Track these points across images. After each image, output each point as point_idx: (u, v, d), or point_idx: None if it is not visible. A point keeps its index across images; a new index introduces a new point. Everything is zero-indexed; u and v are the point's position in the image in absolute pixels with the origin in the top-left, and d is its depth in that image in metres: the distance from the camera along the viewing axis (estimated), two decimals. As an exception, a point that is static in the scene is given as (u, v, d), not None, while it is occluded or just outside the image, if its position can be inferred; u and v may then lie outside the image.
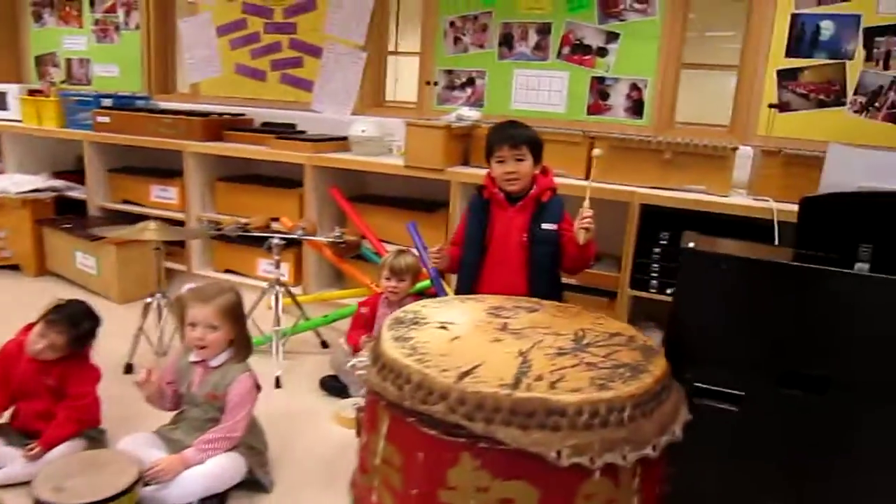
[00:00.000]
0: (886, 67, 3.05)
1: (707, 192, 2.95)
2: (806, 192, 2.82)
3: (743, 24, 3.30)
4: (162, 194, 4.17)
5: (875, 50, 3.06)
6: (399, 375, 1.42)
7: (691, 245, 1.67)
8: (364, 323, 2.80)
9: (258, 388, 2.11)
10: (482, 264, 2.21)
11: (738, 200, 2.86)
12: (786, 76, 3.20)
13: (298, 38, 4.15)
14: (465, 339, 1.57)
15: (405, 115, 3.74)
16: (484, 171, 2.98)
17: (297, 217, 3.62)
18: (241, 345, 2.11)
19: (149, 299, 2.90)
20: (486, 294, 2.01)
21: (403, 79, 4.42)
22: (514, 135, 2.17)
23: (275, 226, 3.33)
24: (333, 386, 2.77)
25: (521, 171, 2.16)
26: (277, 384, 2.81)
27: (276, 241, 2.92)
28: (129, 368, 2.85)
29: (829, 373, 1.59)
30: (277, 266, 2.98)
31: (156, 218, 2.90)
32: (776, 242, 2.73)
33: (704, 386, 1.68)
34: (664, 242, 2.96)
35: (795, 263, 1.57)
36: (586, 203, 2.00)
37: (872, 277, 1.51)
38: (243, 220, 3.03)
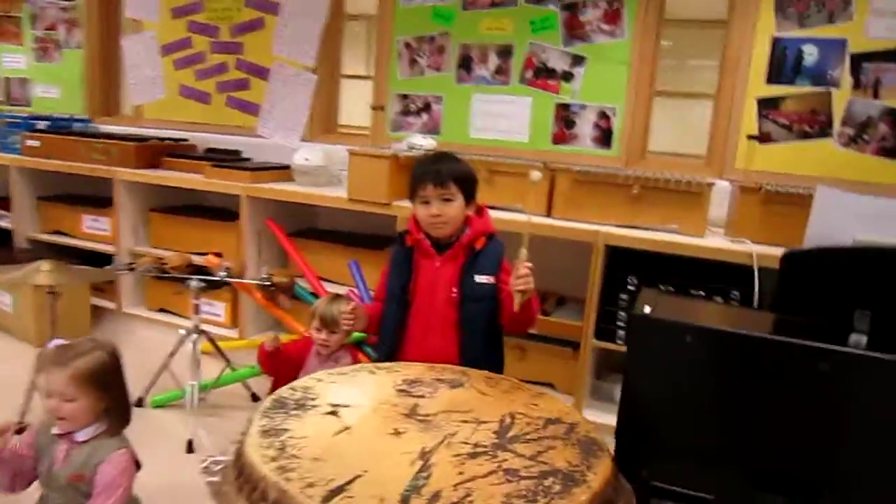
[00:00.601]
0: (876, 96, 2.77)
1: (680, 231, 2.64)
2: (789, 234, 2.53)
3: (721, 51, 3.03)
4: (94, 225, 3.82)
5: (863, 77, 2.78)
6: (255, 488, 1.08)
7: (647, 311, 1.34)
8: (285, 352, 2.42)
9: (137, 465, 1.76)
10: (405, 324, 1.86)
11: (715, 242, 2.56)
12: (766, 105, 2.91)
13: (245, 59, 3.85)
14: (355, 432, 1.23)
15: (358, 143, 3.43)
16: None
17: (236, 253, 3.28)
18: (117, 415, 1.75)
19: (43, 348, 2.53)
20: (409, 361, 1.67)
21: (362, 104, 4.11)
22: (440, 170, 1.82)
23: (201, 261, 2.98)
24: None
25: (448, 214, 1.82)
26: (190, 448, 2.45)
27: (193, 283, 2.58)
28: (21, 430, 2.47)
29: (820, 475, 1.26)
30: (197, 311, 2.64)
31: (82, 252, 2.56)
32: (756, 290, 2.42)
33: (664, 486, 1.34)
34: (632, 288, 2.65)
35: (779, 338, 1.25)
36: (523, 253, 1.66)
37: (873, 357, 1.19)
38: (163, 258, 2.69)
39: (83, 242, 3.79)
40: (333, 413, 1.30)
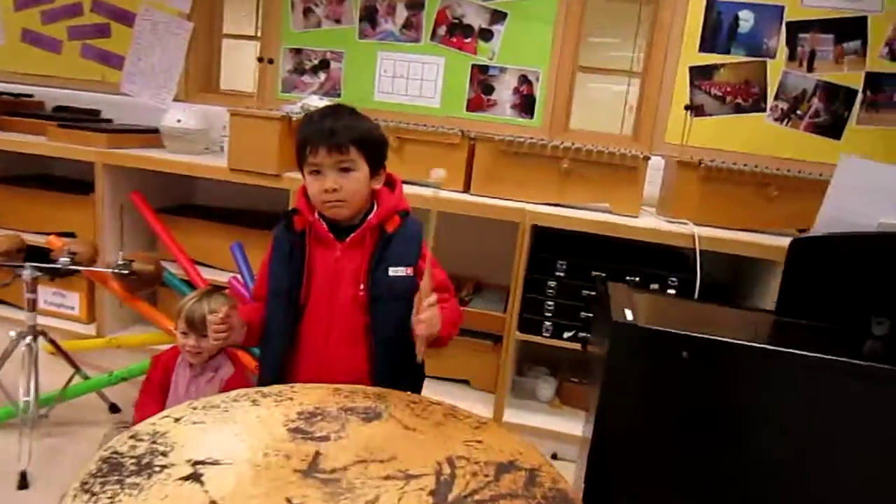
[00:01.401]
0: (811, 69, 2.61)
1: (612, 211, 2.37)
2: (730, 214, 2.33)
3: (632, 31, 2.78)
4: None
5: (799, 48, 2.61)
6: None
7: (629, 317, 1.01)
8: (156, 390, 1.98)
9: None
10: (297, 333, 1.43)
11: (650, 223, 2.30)
12: (699, 74, 2.69)
13: (104, 0, 3.22)
14: (228, 508, 0.83)
15: (243, 105, 2.92)
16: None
17: (92, 233, 2.71)
18: None
19: None
20: (304, 381, 1.26)
21: (245, 67, 3.59)
22: (335, 129, 1.37)
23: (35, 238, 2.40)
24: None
25: (348, 188, 1.39)
26: (22, 483, 1.93)
27: (26, 273, 2.03)
28: None
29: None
30: (32, 307, 2.09)
31: None
32: (698, 276, 2.19)
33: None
34: (561, 274, 2.35)
35: (795, 352, 0.96)
36: (425, 284, 1.28)
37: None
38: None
39: None
40: (194, 477, 0.88)
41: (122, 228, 2.77)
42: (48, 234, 2.61)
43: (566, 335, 2.37)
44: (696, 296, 2.20)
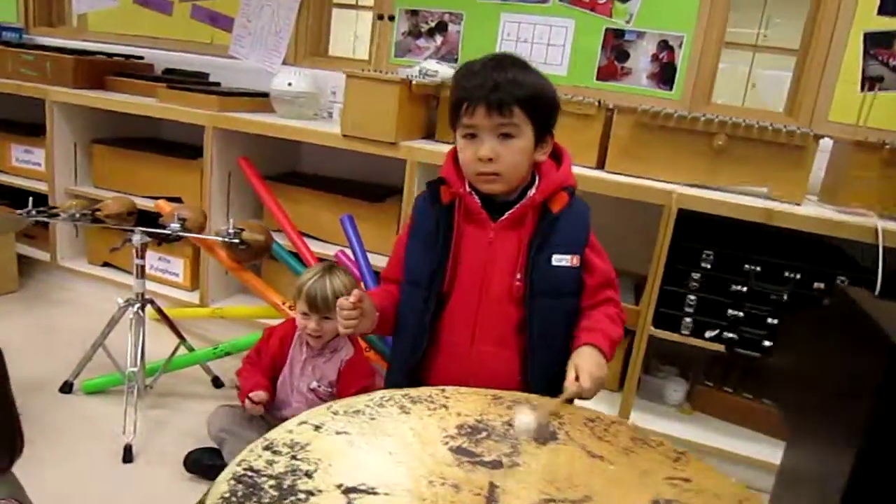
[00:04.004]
0: None
1: (771, 196, 2.06)
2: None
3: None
4: (25, 157, 3.12)
5: None
6: None
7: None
8: (266, 364, 1.86)
9: None
10: (437, 327, 1.23)
11: (818, 212, 1.98)
12: (877, 42, 2.31)
13: (216, -41, 3.12)
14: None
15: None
16: (445, 150, 2.09)
17: (199, 199, 2.63)
18: None
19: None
20: (454, 387, 1.06)
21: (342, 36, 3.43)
22: (500, 85, 1.14)
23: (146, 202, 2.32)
24: (208, 465, 1.81)
25: (506, 159, 1.17)
26: (127, 456, 1.84)
27: (136, 238, 1.94)
28: None
29: None
30: (141, 274, 2.00)
31: (10, 190, 1.88)
32: (880, 276, 1.87)
33: None
34: (707, 266, 2.07)
35: None
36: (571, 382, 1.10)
37: None
38: (91, 207, 2.03)
39: (11, 178, 3.09)
40: (351, 511, 0.70)
41: (228, 195, 2.67)
42: (154, 198, 2.54)
43: (708, 334, 2.09)
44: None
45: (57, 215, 1.98)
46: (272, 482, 0.72)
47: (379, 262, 2.28)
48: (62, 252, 3.00)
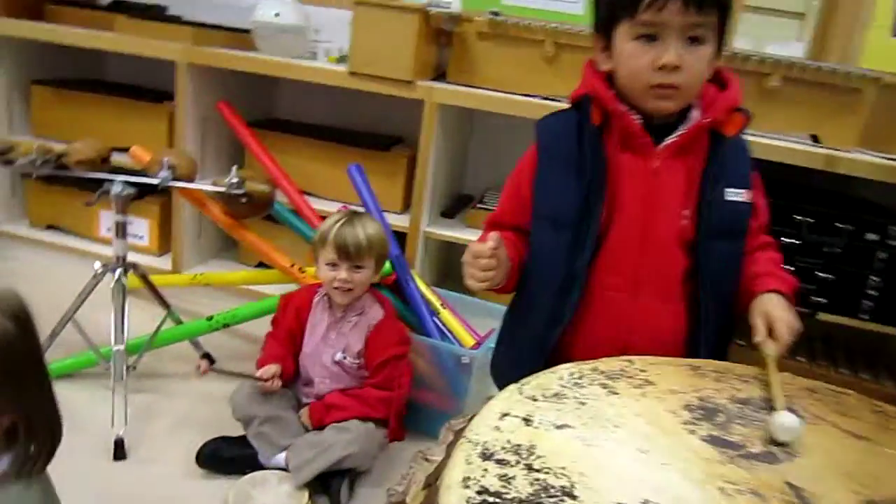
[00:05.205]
0: None
1: (820, 142, 1.93)
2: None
3: None
4: (-57, 102, 2.63)
5: None
6: None
7: None
8: (284, 335, 1.60)
9: None
10: (586, 276, 0.99)
11: (872, 160, 1.86)
12: (914, -19, 2.19)
13: None
14: None
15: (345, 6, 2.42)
16: (473, 93, 1.84)
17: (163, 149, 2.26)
18: (33, 439, 0.88)
19: None
20: (637, 356, 0.83)
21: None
22: None
23: (120, 160, 1.95)
24: (228, 459, 1.54)
25: (692, 69, 0.95)
26: (118, 452, 1.54)
27: (117, 189, 1.60)
28: None
29: None
30: (121, 232, 1.67)
31: None
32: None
33: None
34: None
35: None
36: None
37: None
38: (57, 148, 1.67)
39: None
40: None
41: (202, 148, 2.32)
42: (119, 149, 2.17)
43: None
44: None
45: (11, 162, 1.61)
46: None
47: (391, 219, 2.03)
48: (-3, 214, 2.58)
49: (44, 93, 2.50)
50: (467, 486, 0.51)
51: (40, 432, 0.88)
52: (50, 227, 2.58)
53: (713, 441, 0.63)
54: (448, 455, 0.60)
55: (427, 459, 0.70)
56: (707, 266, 0.99)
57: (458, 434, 0.63)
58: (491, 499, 0.49)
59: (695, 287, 1.00)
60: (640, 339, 0.94)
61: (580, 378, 0.72)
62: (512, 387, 0.68)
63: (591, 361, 0.77)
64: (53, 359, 1.79)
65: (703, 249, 0.99)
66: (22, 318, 0.83)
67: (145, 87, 2.56)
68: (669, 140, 0.99)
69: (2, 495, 0.84)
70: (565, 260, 1.00)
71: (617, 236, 1.00)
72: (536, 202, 1.04)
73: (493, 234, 0.94)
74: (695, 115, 1.01)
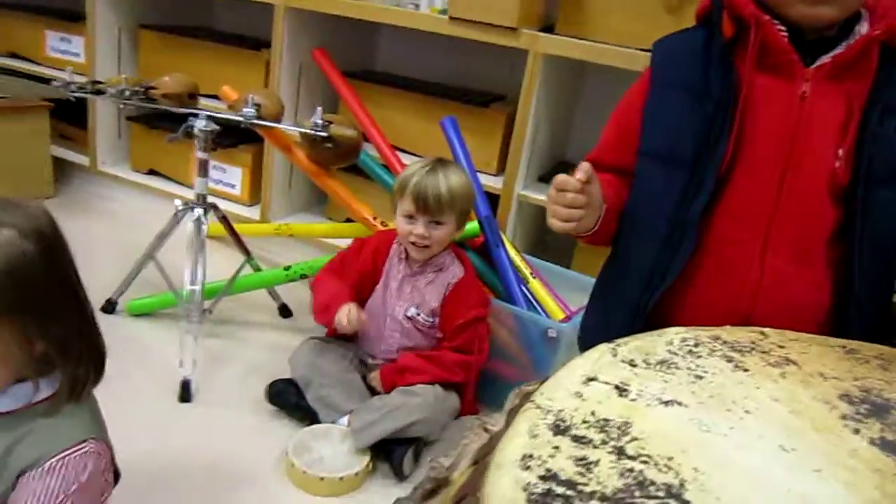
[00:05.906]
0: None
1: None
2: None
3: None
4: (61, 46, 2.72)
5: None
6: None
7: None
8: (354, 279, 1.48)
9: (115, 475, 0.86)
10: (703, 227, 0.81)
11: None
12: None
13: None
14: None
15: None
16: (582, 44, 1.65)
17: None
18: (69, 367, 0.82)
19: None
20: (769, 328, 0.64)
21: None
22: None
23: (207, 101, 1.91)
24: (294, 404, 1.46)
25: None
26: (184, 395, 1.49)
27: (200, 124, 1.54)
28: None
29: None
30: (203, 171, 1.61)
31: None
32: None
33: None
34: None
35: None
36: None
37: None
38: (145, 83, 1.63)
39: (45, 70, 2.70)
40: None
41: (297, 96, 2.26)
42: (212, 96, 2.14)
43: None
44: None
45: (102, 92, 1.59)
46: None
47: (484, 180, 1.89)
48: (103, 156, 2.63)
49: (151, 37, 2.52)
50: (527, 468, 0.36)
51: (79, 356, 0.82)
52: (151, 171, 2.62)
53: (887, 447, 0.45)
54: (508, 424, 0.45)
55: (486, 429, 0.56)
56: (866, 222, 0.77)
57: (526, 398, 0.48)
58: (560, 489, 0.34)
59: (847, 249, 0.79)
60: (768, 312, 0.74)
61: (696, 346, 0.55)
62: (603, 346, 0.52)
63: (709, 328, 0.59)
64: (133, 297, 1.79)
65: (862, 200, 0.77)
66: (48, 239, 0.75)
67: (248, 36, 2.53)
68: (826, 58, 0.77)
69: (33, 422, 0.79)
70: (677, 205, 0.81)
71: (746, 179, 0.80)
72: (645, 135, 0.85)
73: (584, 165, 0.77)
74: (862, 28, 0.79)
